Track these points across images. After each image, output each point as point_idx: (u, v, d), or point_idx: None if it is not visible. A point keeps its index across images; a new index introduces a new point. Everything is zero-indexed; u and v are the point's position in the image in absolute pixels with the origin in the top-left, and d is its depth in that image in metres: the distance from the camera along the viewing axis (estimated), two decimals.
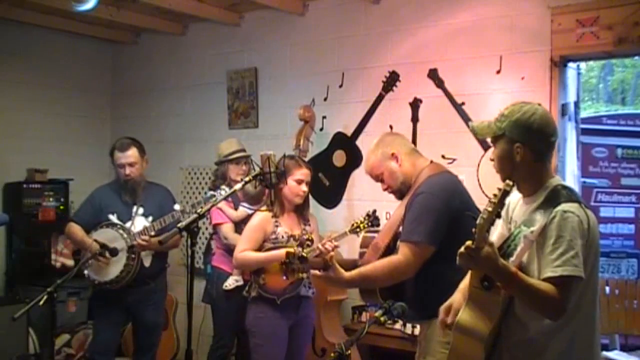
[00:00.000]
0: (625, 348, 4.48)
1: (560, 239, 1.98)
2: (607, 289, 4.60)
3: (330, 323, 4.32)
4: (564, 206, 2.03)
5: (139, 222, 3.94)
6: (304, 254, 2.44)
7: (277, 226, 3.52)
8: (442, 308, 2.32)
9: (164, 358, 5.14)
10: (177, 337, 5.31)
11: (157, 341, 4.28)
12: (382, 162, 2.86)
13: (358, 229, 3.29)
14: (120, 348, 5.03)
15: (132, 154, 3.95)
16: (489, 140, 2.35)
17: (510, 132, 2.14)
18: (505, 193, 1.95)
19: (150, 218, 3.97)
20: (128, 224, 3.92)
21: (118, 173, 4.00)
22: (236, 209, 4.17)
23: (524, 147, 2.12)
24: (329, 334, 4.21)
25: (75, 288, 5.24)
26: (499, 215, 1.98)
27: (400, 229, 2.78)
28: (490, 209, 1.96)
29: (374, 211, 3.35)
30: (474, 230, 1.99)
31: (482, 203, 3.90)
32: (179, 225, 2.88)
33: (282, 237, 3.49)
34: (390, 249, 2.80)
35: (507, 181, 1.98)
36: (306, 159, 4.25)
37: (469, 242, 1.98)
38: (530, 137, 2.13)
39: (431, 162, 2.89)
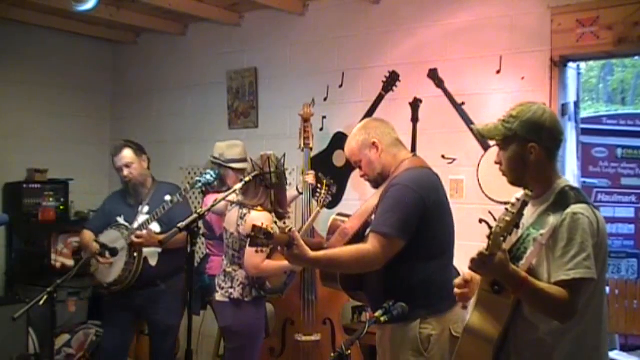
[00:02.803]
0: (625, 348, 4.48)
1: (572, 242, 1.98)
2: (607, 289, 4.59)
3: None
4: (573, 208, 2.02)
5: (141, 221, 3.87)
6: (270, 230, 2.38)
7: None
8: (458, 282, 2.28)
9: None
10: (177, 337, 5.29)
11: (170, 345, 4.09)
12: (362, 150, 2.76)
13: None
14: None
15: (125, 154, 3.89)
16: (491, 142, 2.34)
17: (523, 132, 2.12)
18: (524, 203, 1.95)
19: None
20: (135, 225, 3.85)
21: (119, 178, 3.98)
22: None
23: (538, 146, 2.12)
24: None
25: (75, 288, 5.24)
26: (517, 226, 1.98)
27: (372, 217, 2.71)
28: (508, 218, 1.94)
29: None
30: (487, 236, 1.97)
31: (482, 202, 3.93)
32: (179, 225, 2.87)
33: None
34: (358, 236, 2.71)
35: (526, 191, 1.98)
36: None
37: (481, 248, 1.97)
38: (543, 136, 2.12)
39: (413, 155, 2.82)
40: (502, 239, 1.96)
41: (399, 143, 2.82)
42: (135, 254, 3.78)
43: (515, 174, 2.18)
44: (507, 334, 2.12)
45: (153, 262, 3.85)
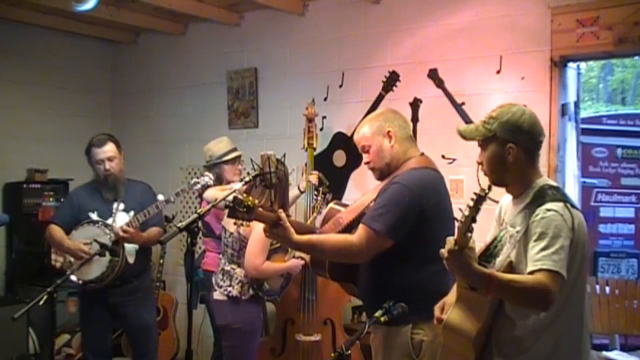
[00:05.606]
0: (625, 348, 4.48)
1: (543, 236, 2.00)
2: (607, 289, 4.60)
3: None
4: (547, 205, 2.05)
5: (121, 218, 3.82)
6: (250, 204, 2.34)
7: None
8: (437, 307, 2.32)
9: (164, 358, 5.14)
10: (177, 337, 5.30)
11: (152, 345, 4.04)
12: (375, 136, 2.70)
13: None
14: (120, 348, 5.03)
15: (110, 148, 3.84)
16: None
17: (502, 133, 2.16)
18: (480, 198, 1.96)
19: (132, 213, 3.85)
20: (109, 221, 3.80)
21: (97, 170, 3.88)
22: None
23: (516, 146, 2.15)
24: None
25: (75, 288, 5.21)
26: (474, 220, 1.97)
27: (367, 210, 2.66)
28: (467, 213, 1.97)
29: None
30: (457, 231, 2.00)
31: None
32: (178, 225, 2.86)
33: None
34: (351, 227, 2.67)
35: (483, 187, 1.99)
36: None
37: (451, 245, 1.99)
38: (522, 137, 2.16)
39: (422, 154, 2.76)
40: (469, 234, 1.97)
41: (411, 139, 2.77)
42: (119, 252, 3.74)
43: (496, 174, 2.21)
44: (491, 331, 2.13)
45: (131, 259, 3.84)
